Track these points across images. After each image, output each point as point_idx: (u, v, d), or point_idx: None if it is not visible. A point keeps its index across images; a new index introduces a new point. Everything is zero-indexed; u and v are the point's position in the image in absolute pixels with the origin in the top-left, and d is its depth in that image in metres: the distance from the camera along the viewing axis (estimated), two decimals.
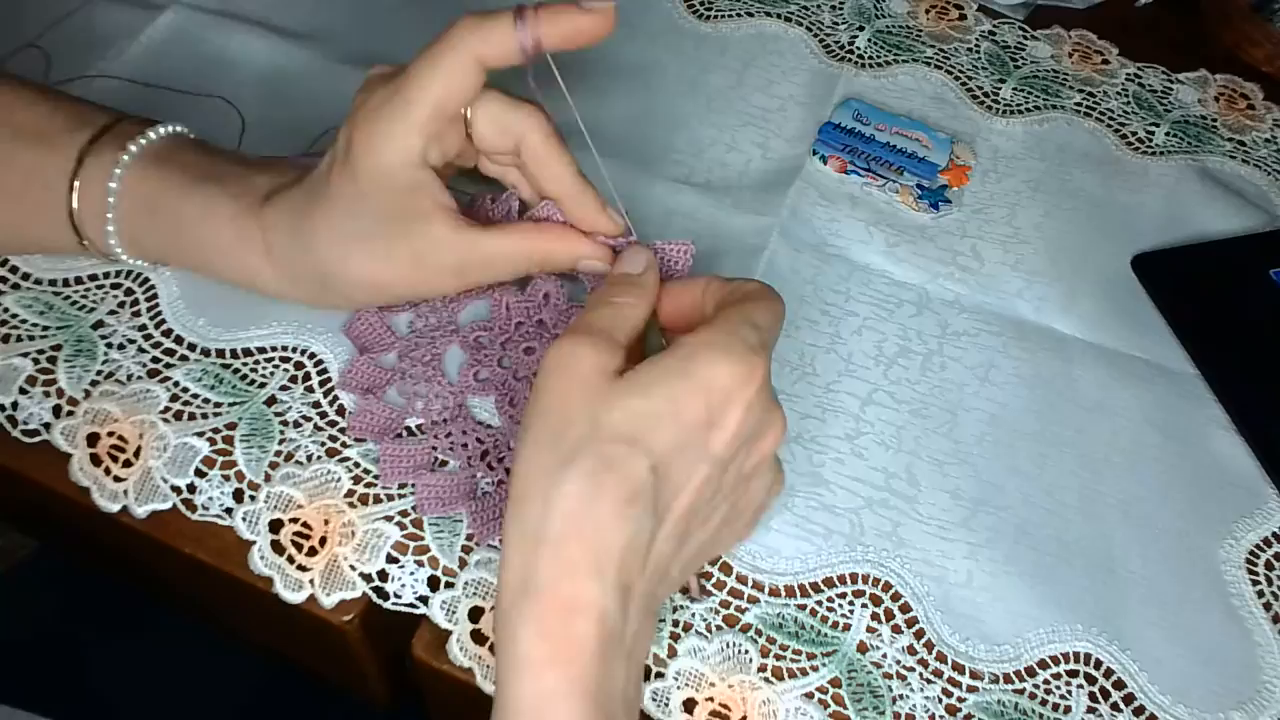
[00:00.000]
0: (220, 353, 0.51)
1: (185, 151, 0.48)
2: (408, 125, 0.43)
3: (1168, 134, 0.65)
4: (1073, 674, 0.46)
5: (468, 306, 0.52)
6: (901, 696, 0.45)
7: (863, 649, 0.46)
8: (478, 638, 0.45)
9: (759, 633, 0.46)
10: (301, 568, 0.46)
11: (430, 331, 0.51)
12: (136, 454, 0.47)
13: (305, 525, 0.46)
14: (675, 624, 0.45)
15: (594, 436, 0.37)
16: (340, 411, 0.49)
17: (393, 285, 0.47)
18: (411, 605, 0.46)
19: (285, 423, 0.49)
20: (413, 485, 0.47)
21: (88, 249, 0.49)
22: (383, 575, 0.46)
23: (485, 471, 0.48)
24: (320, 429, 0.49)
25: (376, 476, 0.48)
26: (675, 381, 0.37)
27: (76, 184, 0.46)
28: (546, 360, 0.39)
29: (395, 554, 0.46)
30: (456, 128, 0.45)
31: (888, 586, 0.47)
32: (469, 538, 0.46)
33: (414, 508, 0.47)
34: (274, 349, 0.51)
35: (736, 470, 0.40)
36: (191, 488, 0.47)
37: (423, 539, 0.46)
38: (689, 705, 0.44)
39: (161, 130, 0.48)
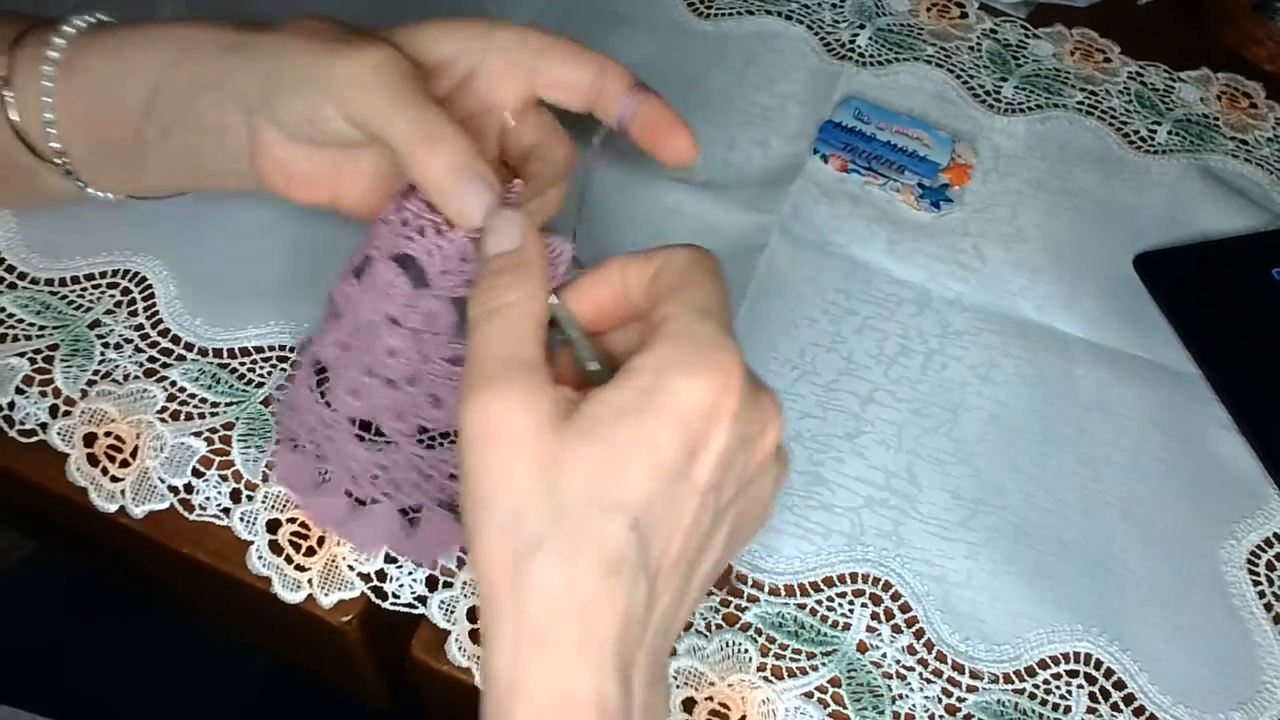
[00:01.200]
0: (217, 352, 0.51)
1: (128, 22, 0.46)
2: (512, 34, 0.44)
3: (1170, 133, 0.65)
4: (1073, 674, 0.46)
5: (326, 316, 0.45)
6: (901, 696, 0.45)
7: (862, 648, 0.46)
8: (476, 638, 0.44)
9: (758, 632, 0.46)
10: (300, 567, 0.45)
11: (301, 354, 0.47)
12: (134, 454, 0.47)
13: (303, 525, 0.46)
14: None
15: (555, 512, 0.32)
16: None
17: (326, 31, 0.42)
18: (410, 605, 0.45)
19: None
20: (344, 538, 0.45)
21: (38, 170, 0.46)
22: (381, 575, 0.46)
23: (400, 499, 0.44)
24: None
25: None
26: (641, 421, 0.32)
27: (9, 94, 0.44)
28: (464, 430, 0.33)
29: (394, 554, 0.46)
30: (516, 87, 0.45)
31: (888, 586, 0.47)
32: (464, 550, 0.45)
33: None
34: (271, 349, 0.51)
35: (733, 486, 0.35)
36: (189, 488, 0.47)
37: None
38: (688, 705, 0.44)
39: (80, 21, 0.45)
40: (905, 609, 0.47)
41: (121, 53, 0.44)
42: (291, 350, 0.51)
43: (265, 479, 0.47)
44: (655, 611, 0.33)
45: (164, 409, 0.49)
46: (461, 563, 0.46)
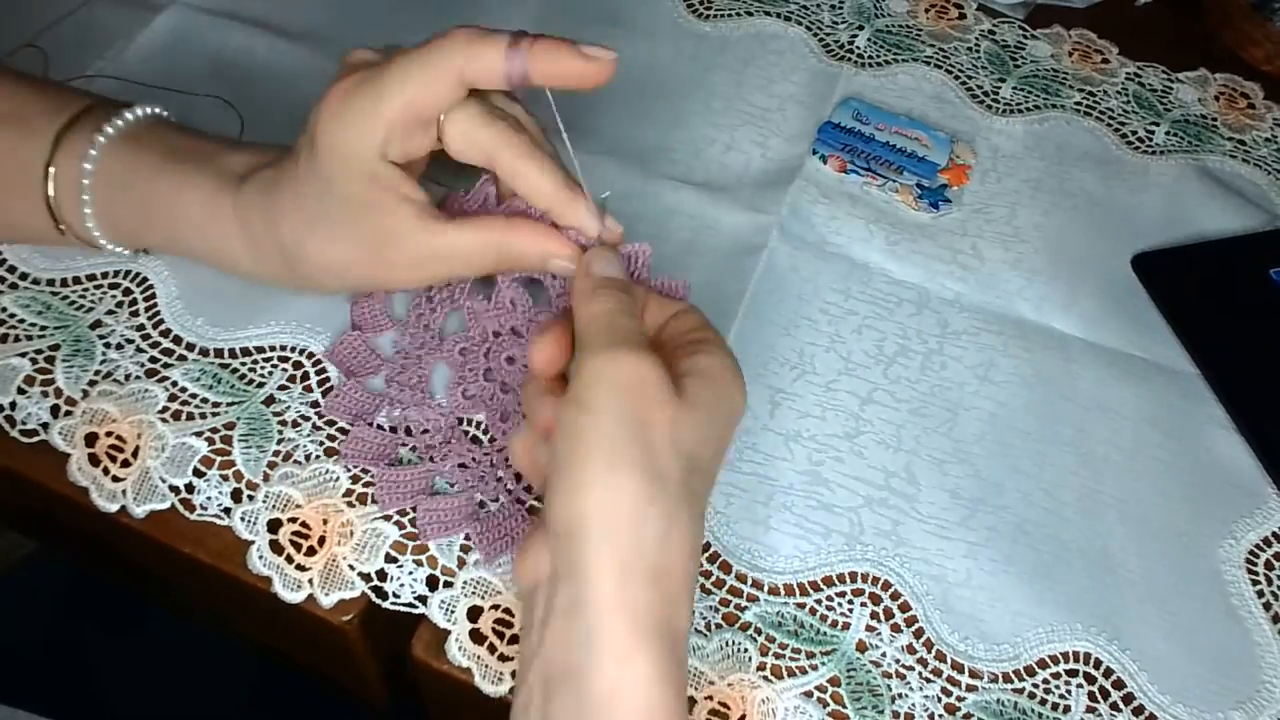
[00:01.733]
0: (219, 352, 0.51)
1: (162, 132, 0.48)
2: (373, 118, 0.41)
3: (1168, 133, 0.65)
4: (1072, 673, 0.46)
5: (448, 318, 0.52)
6: (901, 695, 0.45)
7: (862, 648, 0.46)
8: (476, 637, 0.45)
9: (758, 631, 0.46)
10: (300, 567, 0.46)
11: (415, 351, 0.50)
12: (135, 454, 0.47)
13: (304, 525, 0.46)
14: None
15: (685, 467, 0.37)
16: (329, 394, 0.49)
17: (352, 271, 0.45)
18: (410, 605, 0.46)
19: (284, 422, 0.49)
20: (413, 511, 0.47)
21: (65, 235, 0.48)
22: (381, 575, 0.46)
23: (485, 490, 0.47)
24: (319, 428, 0.49)
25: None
26: (720, 405, 0.39)
27: (52, 169, 0.46)
28: (611, 373, 0.37)
29: (394, 553, 0.46)
30: (427, 131, 0.43)
31: (887, 585, 0.47)
32: (464, 550, 0.46)
33: (416, 530, 0.46)
34: (272, 348, 0.51)
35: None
36: (190, 487, 0.47)
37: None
38: (688, 704, 0.44)
39: (138, 111, 0.48)
40: (905, 608, 0.47)
41: (140, 197, 0.47)
42: (292, 350, 0.51)
43: (266, 479, 0.47)
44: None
45: (165, 409, 0.49)
46: (462, 563, 0.46)
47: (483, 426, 0.49)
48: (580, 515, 0.36)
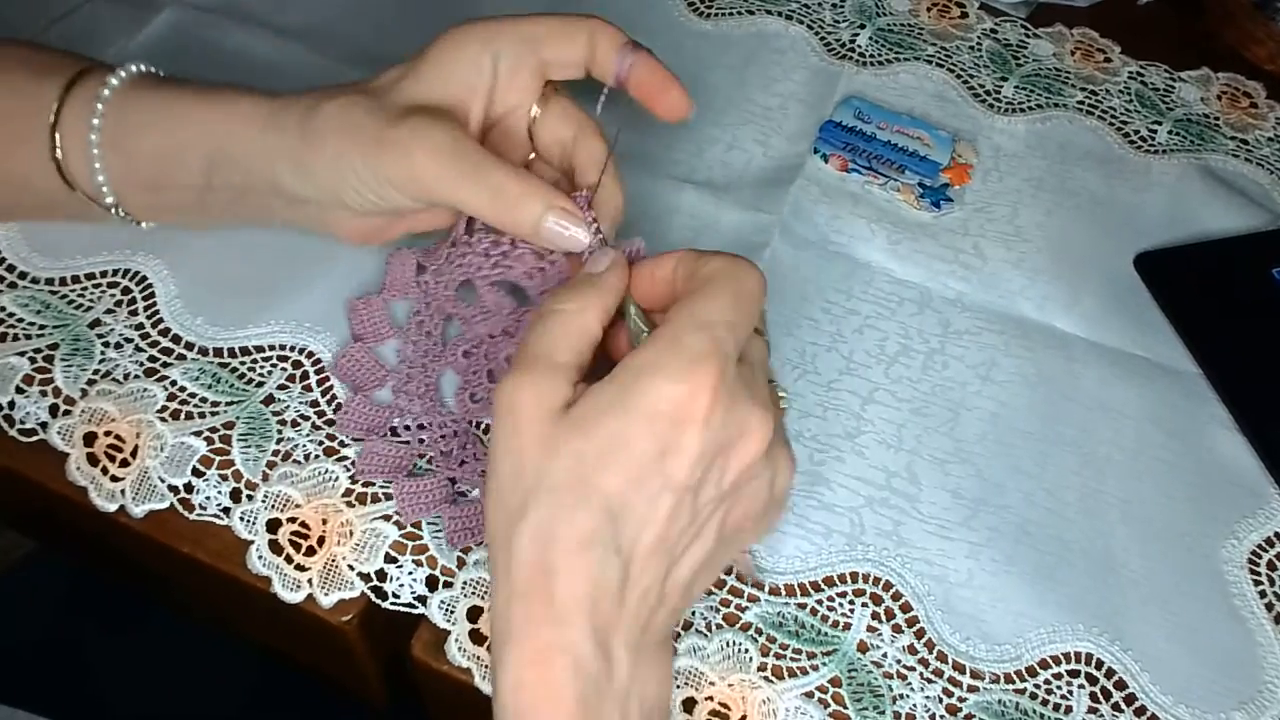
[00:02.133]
0: (218, 351, 0.50)
1: (173, 80, 0.48)
2: (506, 25, 0.45)
3: (1170, 132, 0.65)
4: (1074, 674, 0.46)
5: (449, 324, 0.51)
6: (902, 696, 0.45)
7: (863, 648, 0.46)
8: (476, 638, 0.44)
9: (759, 631, 0.46)
10: (300, 567, 0.45)
11: (420, 359, 0.50)
12: (134, 453, 0.47)
13: (303, 525, 0.46)
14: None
15: (540, 486, 0.36)
16: (339, 411, 0.49)
17: (372, 125, 0.43)
18: (410, 605, 0.45)
19: (283, 422, 0.49)
20: (438, 517, 0.47)
21: (75, 194, 0.47)
22: (381, 575, 0.46)
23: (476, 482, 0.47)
24: (318, 428, 0.49)
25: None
26: (616, 416, 0.35)
27: (60, 124, 0.46)
28: (495, 403, 0.37)
29: (394, 554, 0.46)
30: (531, 82, 0.46)
31: (888, 586, 0.47)
32: (464, 550, 0.46)
33: (397, 513, 0.46)
34: (271, 348, 0.51)
35: (714, 489, 0.37)
36: (189, 487, 0.47)
37: (421, 539, 0.46)
38: (688, 704, 0.44)
39: (142, 66, 0.48)
40: (906, 609, 0.47)
41: (172, 125, 0.47)
42: (291, 349, 0.51)
43: (265, 478, 0.47)
44: (633, 590, 0.37)
45: (164, 408, 0.49)
46: (461, 563, 0.46)
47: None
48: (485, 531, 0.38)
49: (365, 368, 0.50)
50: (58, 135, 0.46)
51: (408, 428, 0.48)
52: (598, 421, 0.36)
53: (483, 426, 0.49)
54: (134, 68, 0.47)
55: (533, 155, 0.49)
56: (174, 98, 0.47)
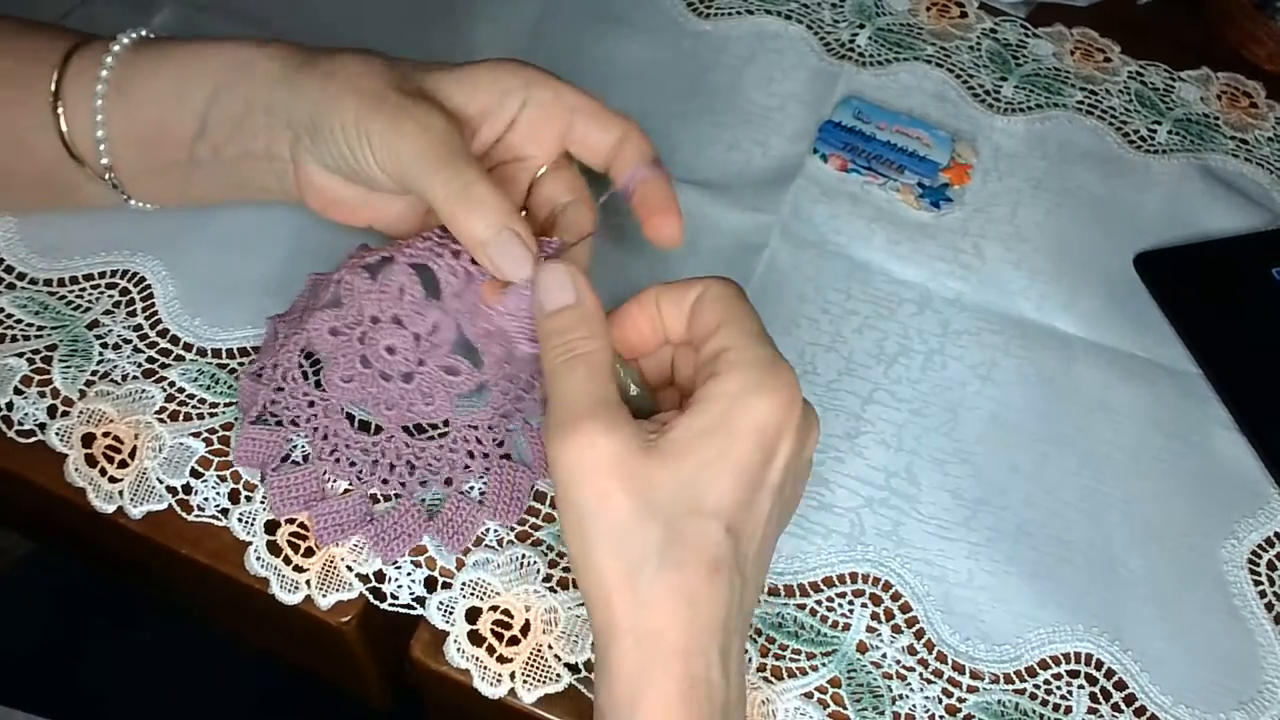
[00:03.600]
0: (216, 352, 0.50)
1: (177, 38, 0.49)
2: (552, 84, 0.46)
3: (1170, 132, 0.65)
4: (1073, 674, 0.46)
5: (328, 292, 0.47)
6: (901, 696, 0.45)
7: (862, 649, 0.46)
8: (475, 639, 0.44)
9: (758, 632, 0.45)
10: (298, 569, 0.45)
11: (291, 332, 0.47)
12: (132, 454, 0.47)
13: (301, 526, 0.46)
14: None
15: (660, 525, 0.36)
16: (234, 445, 0.48)
17: (371, 80, 0.44)
18: (408, 606, 0.45)
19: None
20: (308, 517, 0.46)
21: (71, 160, 0.47)
22: (380, 576, 0.46)
23: (379, 486, 0.46)
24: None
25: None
26: (725, 438, 0.37)
27: (66, 71, 0.46)
28: (560, 465, 0.37)
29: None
30: (553, 138, 0.48)
31: (888, 586, 0.47)
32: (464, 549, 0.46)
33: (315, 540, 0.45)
34: None
35: (793, 480, 0.40)
36: (187, 488, 0.47)
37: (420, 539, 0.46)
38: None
39: (141, 31, 0.48)
40: (905, 609, 0.47)
41: (174, 73, 0.46)
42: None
43: (264, 480, 0.47)
44: (746, 601, 0.38)
45: (162, 409, 0.48)
46: (460, 564, 0.46)
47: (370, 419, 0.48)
48: (587, 591, 0.38)
49: (267, 345, 0.49)
50: (60, 94, 0.46)
51: (276, 405, 0.47)
52: (702, 446, 0.37)
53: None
54: (143, 32, 0.48)
55: (523, 211, 0.49)
56: (184, 45, 0.47)
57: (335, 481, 0.47)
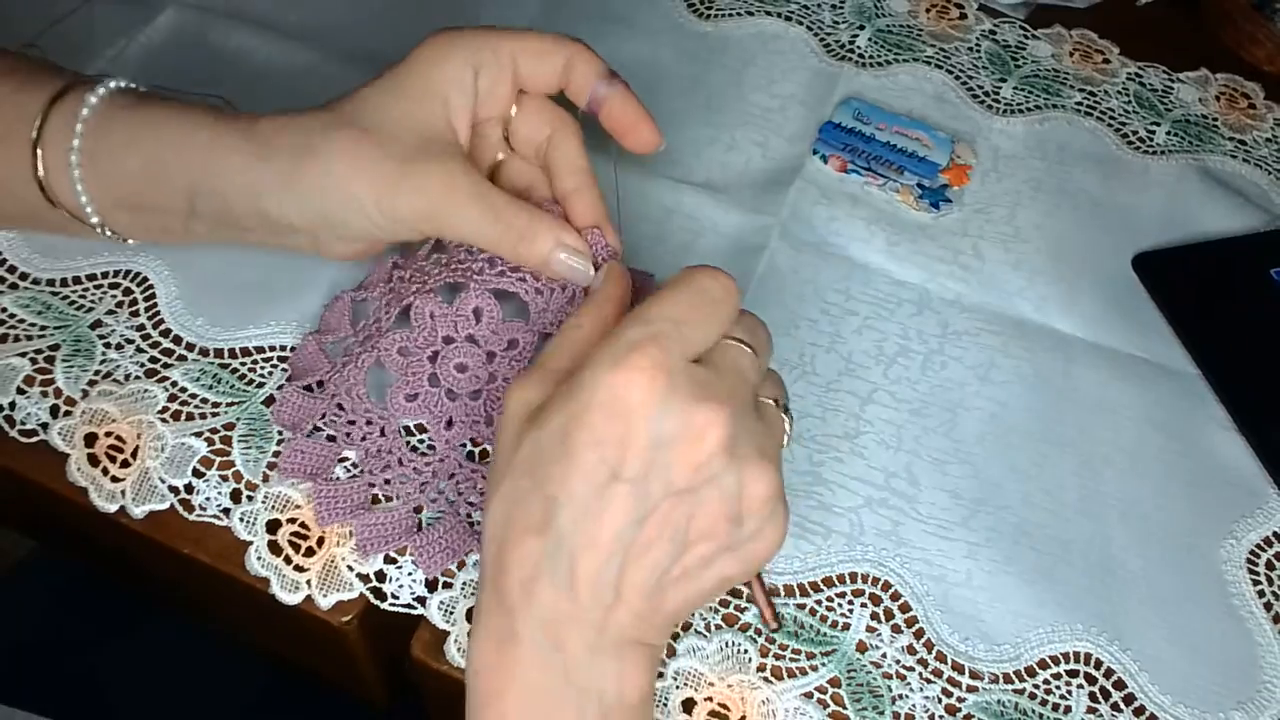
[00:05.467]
0: (218, 352, 0.51)
1: (157, 96, 0.48)
2: (488, 39, 0.45)
3: (1168, 133, 0.65)
4: (1073, 674, 0.46)
5: (395, 318, 0.48)
6: (901, 696, 0.45)
7: (862, 648, 0.46)
8: None
9: (758, 632, 0.46)
10: (299, 568, 0.46)
11: (357, 349, 0.48)
12: (134, 454, 0.47)
13: (303, 526, 0.46)
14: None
15: (506, 476, 0.37)
16: (294, 377, 0.49)
17: (375, 166, 0.44)
18: (409, 606, 0.45)
19: None
20: (352, 529, 0.46)
21: (57, 209, 0.47)
22: (380, 576, 0.46)
23: (426, 505, 0.47)
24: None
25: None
26: (564, 408, 0.36)
27: (41, 142, 0.45)
28: (607, 385, 0.36)
29: (393, 554, 0.46)
30: (508, 95, 0.47)
31: (887, 586, 0.47)
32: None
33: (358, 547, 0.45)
34: (272, 349, 0.51)
35: (661, 485, 0.36)
36: (189, 488, 0.47)
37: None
38: (688, 705, 0.44)
39: (121, 82, 0.47)
40: (905, 609, 0.47)
41: (151, 153, 0.46)
42: (291, 350, 0.51)
43: (266, 479, 0.47)
44: (582, 585, 0.36)
45: (165, 409, 0.49)
46: (461, 564, 0.46)
47: (428, 436, 0.48)
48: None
49: (311, 358, 0.49)
50: (39, 153, 0.46)
51: (336, 422, 0.47)
52: (551, 413, 0.37)
53: (412, 431, 0.49)
54: (113, 84, 0.46)
55: (501, 156, 0.49)
56: (155, 121, 0.46)
57: (381, 495, 0.47)
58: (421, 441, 0.48)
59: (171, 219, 0.47)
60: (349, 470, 0.47)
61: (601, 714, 0.37)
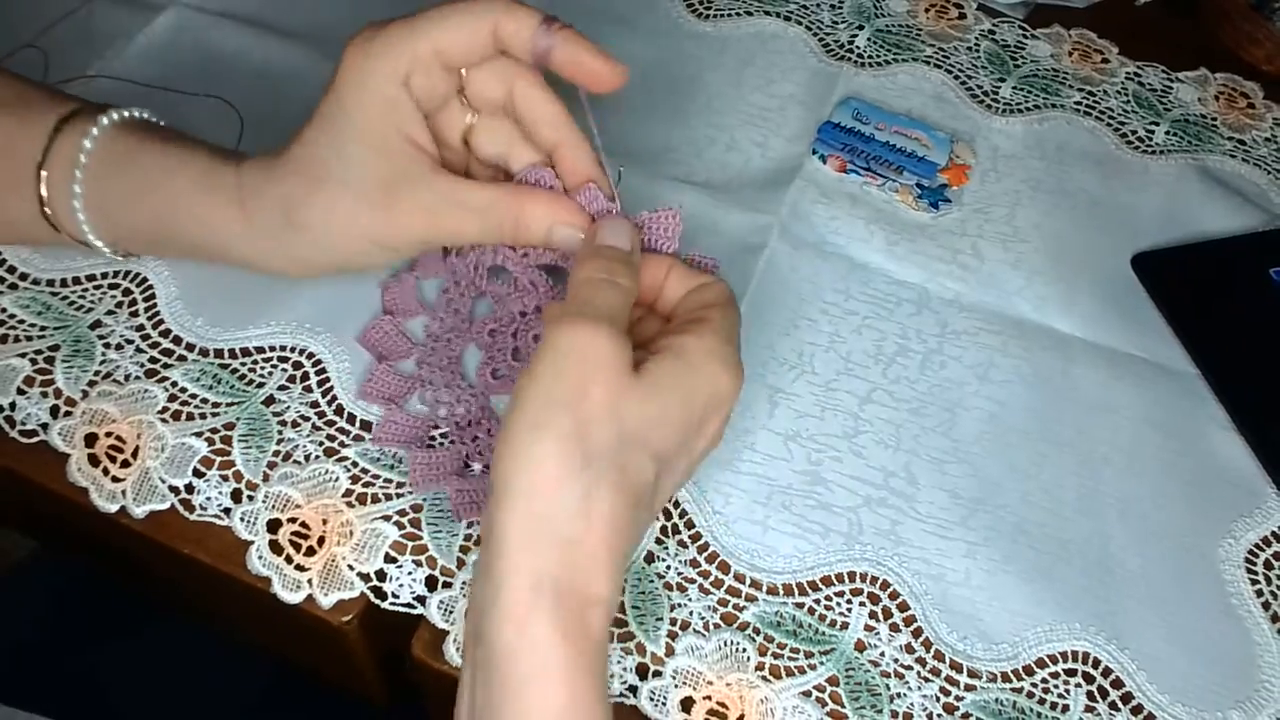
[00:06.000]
0: (218, 352, 0.51)
1: (157, 128, 0.48)
2: (402, 44, 0.43)
3: (1167, 133, 0.65)
4: (1071, 673, 0.46)
5: (476, 303, 0.52)
6: (899, 695, 0.45)
7: (860, 647, 0.46)
8: None
9: (757, 631, 0.46)
10: (300, 568, 0.46)
11: (445, 334, 0.51)
12: (135, 454, 0.47)
13: (303, 525, 0.46)
14: (673, 622, 0.45)
15: (619, 442, 0.38)
16: (339, 411, 0.49)
17: (357, 225, 0.44)
18: (409, 605, 0.46)
19: (283, 422, 0.49)
20: (445, 492, 0.47)
21: (60, 234, 0.48)
22: (381, 575, 0.46)
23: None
24: (318, 429, 0.49)
25: (375, 476, 0.48)
26: (684, 386, 0.40)
27: (45, 167, 0.46)
28: (560, 342, 0.38)
29: (393, 554, 0.46)
30: (450, 77, 0.45)
31: (886, 585, 0.47)
32: (463, 550, 0.46)
33: (451, 514, 0.47)
34: (272, 349, 0.51)
35: (699, 457, 0.43)
36: (190, 488, 0.47)
37: (421, 539, 0.46)
38: (686, 704, 0.44)
39: (133, 111, 0.48)
40: (903, 608, 0.47)
41: (147, 198, 0.47)
42: (292, 350, 0.51)
43: (266, 479, 0.47)
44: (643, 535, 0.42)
45: (165, 409, 0.49)
46: (461, 563, 0.46)
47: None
48: (502, 475, 0.38)
49: (392, 338, 0.51)
50: (43, 189, 0.46)
51: (429, 395, 0.50)
52: (667, 388, 0.39)
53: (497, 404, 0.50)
54: (115, 115, 0.47)
55: (470, 119, 0.47)
56: (151, 175, 0.46)
57: (474, 462, 0.48)
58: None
59: (173, 250, 0.50)
60: (438, 441, 0.49)
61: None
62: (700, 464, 0.44)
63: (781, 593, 0.47)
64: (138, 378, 0.49)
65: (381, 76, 0.43)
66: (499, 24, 0.43)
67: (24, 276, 0.52)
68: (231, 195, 0.45)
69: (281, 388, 0.50)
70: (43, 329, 0.51)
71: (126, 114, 0.47)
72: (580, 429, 0.37)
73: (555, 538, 0.37)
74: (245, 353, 0.51)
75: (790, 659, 0.45)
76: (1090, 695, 0.45)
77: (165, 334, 0.51)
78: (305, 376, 0.50)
